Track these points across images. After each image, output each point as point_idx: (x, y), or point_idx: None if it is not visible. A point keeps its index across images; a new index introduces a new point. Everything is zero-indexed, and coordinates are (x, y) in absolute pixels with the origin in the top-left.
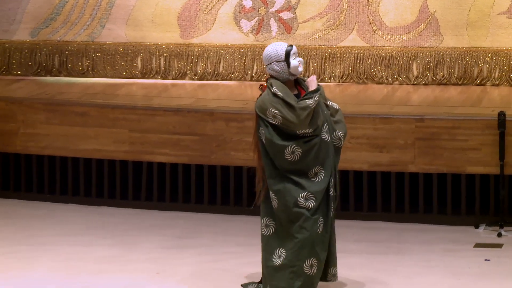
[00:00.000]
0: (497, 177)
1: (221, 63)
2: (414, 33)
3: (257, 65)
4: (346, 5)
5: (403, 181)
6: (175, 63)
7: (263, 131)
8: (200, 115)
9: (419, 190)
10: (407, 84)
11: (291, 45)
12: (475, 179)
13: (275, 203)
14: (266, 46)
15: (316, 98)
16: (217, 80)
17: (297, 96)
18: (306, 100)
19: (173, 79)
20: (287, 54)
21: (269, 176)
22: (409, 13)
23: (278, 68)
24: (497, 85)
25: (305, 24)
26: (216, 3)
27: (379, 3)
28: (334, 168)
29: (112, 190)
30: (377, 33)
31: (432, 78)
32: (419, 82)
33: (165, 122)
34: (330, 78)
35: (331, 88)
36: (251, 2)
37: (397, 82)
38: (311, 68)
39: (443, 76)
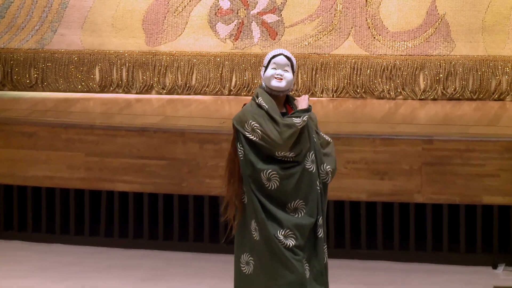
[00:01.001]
0: None
1: (194, 75)
2: (421, 39)
3: (236, 77)
4: (341, 6)
5: (408, 214)
6: (140, 74)
7: (241, 149)
8: (169, 135)
9: (427, 224)
10: (413, 99)
11: (281, 54)
12: (492, 210)
13: (256, 235)
14: (246, 54)
15: (304, 119)
16: (189, 94)
17: (284, 115)
18: (293, 118)
19: (137, 93)
20: (269, 60)
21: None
22: (414, 15)
23: (262, 74)
24: None
25: (293, 28)
26: (187, 3)
27: (380, 4)
28: (321, 205)
29: (65, 225)
30: (377, 39)
31: (442, 92)
32: (427, 97)
33: (128, 144)
34: (322, 92)
35: (323, 104)
36: (229, 3)
37: (401, 96)
38: (299, 81)
39: (455, 89)
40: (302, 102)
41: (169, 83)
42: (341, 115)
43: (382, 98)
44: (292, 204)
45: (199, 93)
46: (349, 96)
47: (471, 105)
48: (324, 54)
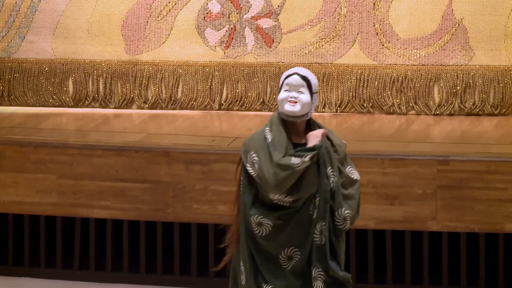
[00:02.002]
0: None
1: (180, 87)
2: (436, 47)
3: (227, 89)
4: (345, 10)
5: (421, 243)
6: (119, 86)
7: (242, 180)
8: (152, 155)
9: (442, 255)
10: (427, 114)
11: (295, 73)
12: None
13: (243, 279)
14: (239, 63)
15: (306, 159)
16: (174, 109)
17: (301, 146)
18: (292, 158)
19: (115, 107)
20: (283, 82)
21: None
22: (428, 20)
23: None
24: None
25: (291, 34)
26: (173, 7)
27: (389, 8)
28: (325, 259)
29: (35, 256)
30: (386, 47)
31: (459, 107)
32: (443, 112)
33: (106, 165)
34: (324, 107)
35: (325, 120)
36: (219, 6)
37: (413, 111)
38: None
39: (474, 103)
40: (311, 138)
41: (152, 96)
42: (346, 132)
43: (392, 113)
44: (285, 252)
45: (186, 108)
46: (354, 111)
47: (492, 121)
48: (327, 63)
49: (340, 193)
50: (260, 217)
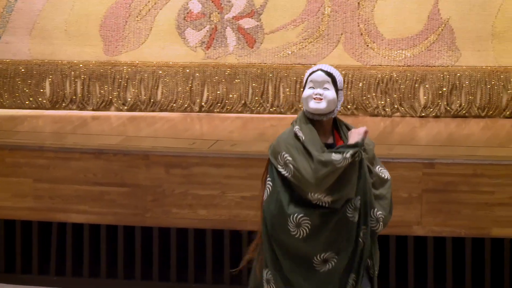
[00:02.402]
0: None
1: (160, 88)
2: (421, 48)
3: (208, 91)
4: (329, 9)
5: (405, 248)
6: (97, 88)
7: (269, 183)
8: (131, 159)
9: (427, 260)
10: (412, 116)
11: (318, 70)
12: (503, 244)
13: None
14: (220, 64)
15: (347, 155)
16: (153, 111)
17: (329, 147)
18: (333, 154)
19: (94, 109)
20: (306, 79)
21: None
22: (414, 20)
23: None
24: None
25: (274, 35)
26: (152, 6)
27: (374, 7)
28: (361, 264)
29: (10, 261)
30: (371, 47)
31: (445, 109)
32: (428, 114)
33: (83, 169)
34: None
35: None
36: (200, 6)
37: (398, 113)
38: (281, 95)
39: (460, 105)
40: (353, 135)
41: (131, 98)
42: None
43: (376, 115)
44: (321, 256)
45: (166, 110)
46: (338, 113)
47: (479, 123)
48: (310, 64)
49: (371, 194)
50: (301, 215)
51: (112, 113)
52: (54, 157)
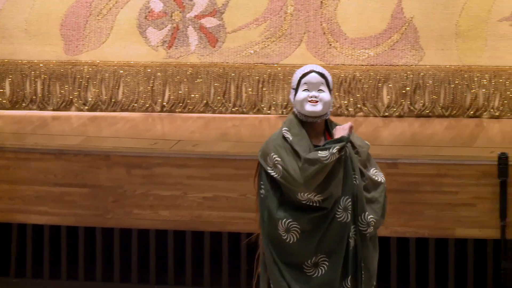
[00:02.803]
0: (497, 243)
1: (121, 88)
2: (385, 47)
3: (169, 91)
4: (292, 8)
5: None
6: (57, 88)
7: (262, 186)
8: (92, 159)
9: (391, 261)
10: (375, 116)
11: (313, 71)
12: (467, 245)
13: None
14: (182, 64)
15: (334, 151)
16: (114, 111)
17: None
18: (319, 152)
19: (54, 110)
20: (299, 81)
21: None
22: (377, 19)
23: (291, 98)
24: (497, 117)
25: (236, 34)
26: (113, 5)
27: (337, 6)
28: (355, 266)
29: None
30: (334, 47)
31: (409, 108)
32: (392, 113)
33: (44, 170)
34: (270, 108)
35: (271, 122)
36: (161, 5)
37: (361, 113)
38: (243, 95)
39: (423, 105)
40: (339, 131)
41: (92, 98)
42: None
43: (339, 115)
44: (312, 260)
45: (127, 110)
46: None
47: (443, 123)
48: (273, 64)
49: (363, 197)
50: (289, 221)
51: (72, 113)
52: (14, 157)
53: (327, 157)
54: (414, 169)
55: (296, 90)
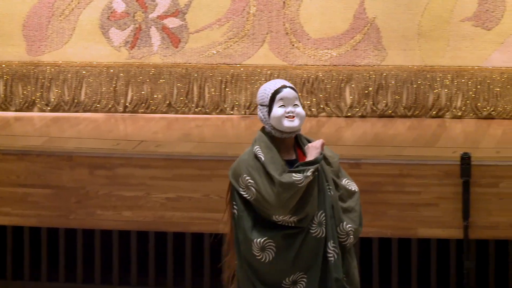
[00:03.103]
0: (460, 243)
1: (83, 89)
2: (347, 47)
3: (132, 91)
4: (255, 9)
5: None
6: (19, 88)
7: (235, 206)
8: (54, 160)
9: None
10: (338, 116)
11: (286, 87)
12: (430, 245)
13: None
14: (144, 64)
15: (308, 174)
16: (77, 111)
17: (292, 163)
18: (294, 175)
19: (16, 110)
20: (272, 97)
21: (238, 270)
22: (340, 19)
23: (261, 115)
24: (460, 117)
25: (198, 34)
26: (76, 6)
27: (299, 7)
28: (337, 282)
29: None
30: (296, 47)
31: (371, 108)
32: (354, 114)
33: (6, 170)
34: (232, 109)
35: (234, 123)
36: (124, 5)
37: (324, 113)
38: (206, 95)
39: (386, 105)
40: (311, 150)
41: (54, 98)
42: (255, 135)
43: None
44: (290, 278)
45: (89, 110)
46: None
47: (405, 123)
48: (235, 64)
49: (339, 208)
50: (264, 239)
51: (35, 114)
52: None
53: (302, 180)
54: (376, 169)
55: (270, 106)
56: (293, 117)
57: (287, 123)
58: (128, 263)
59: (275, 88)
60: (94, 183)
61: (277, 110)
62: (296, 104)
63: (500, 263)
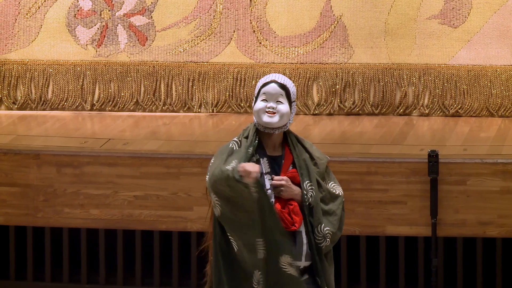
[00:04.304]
0: (427, 240)
1: (50, 87)
2: (314, 45)
3: (99, 89)
4: (221, 6)
5: None
6: None
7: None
8: (21, 158)
9: None
10: (305, 114)
11: (274, 81)
12: (397, 243)
13: None
14: (111, 62)
15: (236, 176)
16: (44, 109)
17: (277, 160)
18: (227, 167)
19: None
20: (259, 90)
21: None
22: (306, 17)
23: (253, 106)
24: (427, 114)
25: (165, 32)
26: (42, 4)
27: (266, 5)
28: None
29: None
30: (263, 45)
31: (338, 106)
32: (322, 111)
33: None
34: (200, 107)
35: (201, 121)
36: (90, 3)
37: None
38: (173, 93)
39: (353, 103)
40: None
41: (21, 96)
42: (223, 133)
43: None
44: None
45: (56, 108)
46: (231, 111)
47: (373, 120)
48: (202, 62)
49: (320, 209)
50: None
51: (2, 112)
52: None
53: (228, 170)
54: (344, 167)
55: (255, 99)
56: (274, 113)
57: (265, 118)
58: (96, 261)
59: (264, 82)
60: (62, 182)
61: (258, 104)
62: (279, 101)
63: (468, 261)
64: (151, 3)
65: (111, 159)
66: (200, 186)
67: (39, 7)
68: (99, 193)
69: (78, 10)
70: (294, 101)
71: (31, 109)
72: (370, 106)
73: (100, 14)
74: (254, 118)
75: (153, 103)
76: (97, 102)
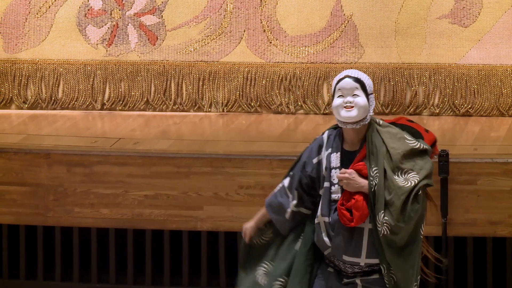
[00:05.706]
0: (438, 240)
1: (61, 86)
2: (325, 44)
3: (110, 89)
4: (232, 6)
5: None
6: None
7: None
8: (32, 157)
9: None
10: (316, 113)
11: (348, 76)
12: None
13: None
14: (122, 62)
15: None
16: (55, 109)
17: (350, 155)
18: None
19: None
20: (334, 88)
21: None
22: (317, 17)
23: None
24: (438, 114)
25: (176, 32)
26: (53, 3)
27: (277, 4)
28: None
29: None
30: (274, 44)
31: None
32: (332, 111)
33: None
34: (210, 106)
35: (211, 120)
36: (101, 2)
37: (301, 111)
38: (184, 93)
39: None
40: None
41: (32, 96)
42: (233, 132)
43: (280, 113)
44: None
45: (67, 108)
46: (241, 111)
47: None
48: (213, 61)
49: (382, 197)
50: None
51: (12, 111)
52: None
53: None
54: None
55: (333, 96)
56: (351, 107)
57: (344, 113)
58: (107, 261)
59: (338, 79)
60: (72, 181)
61: (336, 101)
62: (356, 94)
63: (478, 260)
64: (162, 2)
65: (122, 158)
66: (210, 186)
67: (49, 7)
68: (109, 192)
69: (88, 10)
70: (371, 94)
71: (41, 108)
72: (380, 105)
73: (111, 14)
74: (335, 116)
75: (163, 103)
76: (107, 102)
